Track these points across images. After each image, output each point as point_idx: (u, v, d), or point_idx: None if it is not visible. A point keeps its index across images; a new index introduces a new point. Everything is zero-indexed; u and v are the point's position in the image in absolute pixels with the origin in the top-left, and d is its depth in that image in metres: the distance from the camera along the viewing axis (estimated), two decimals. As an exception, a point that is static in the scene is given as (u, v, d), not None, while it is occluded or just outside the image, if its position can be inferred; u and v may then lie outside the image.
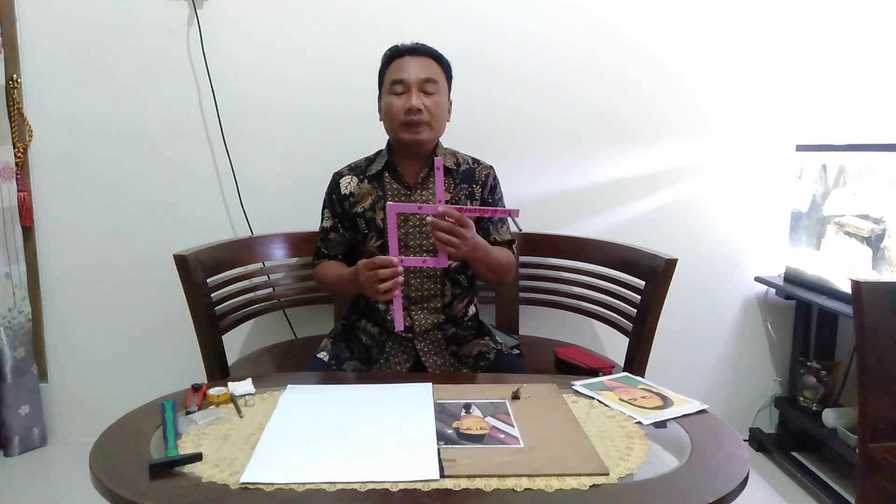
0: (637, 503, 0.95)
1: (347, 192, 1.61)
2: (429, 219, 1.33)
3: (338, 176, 1.65)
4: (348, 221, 1.62)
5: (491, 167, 1.68)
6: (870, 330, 1.32)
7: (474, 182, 1.64)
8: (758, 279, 2.27)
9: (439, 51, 1.60)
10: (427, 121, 1.52)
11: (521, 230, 2.08)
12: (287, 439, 1.08)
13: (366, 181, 1.61)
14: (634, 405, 1.25)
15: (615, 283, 1.93)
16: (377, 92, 1.63)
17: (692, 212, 2.26)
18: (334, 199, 1.63)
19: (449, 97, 1.61)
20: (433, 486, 0.94)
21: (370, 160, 1.65)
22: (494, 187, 1.67)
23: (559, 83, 2.16)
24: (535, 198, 2.20)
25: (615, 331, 1.90)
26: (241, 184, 2.16)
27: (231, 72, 2.11)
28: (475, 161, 1.67)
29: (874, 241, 1.86)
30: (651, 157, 2.22)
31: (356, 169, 1.65)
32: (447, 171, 1.61)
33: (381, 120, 1.61)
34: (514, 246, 1.71)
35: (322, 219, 1.66)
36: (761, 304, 2.33)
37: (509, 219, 1.77)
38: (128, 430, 1.13)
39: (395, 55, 1.57)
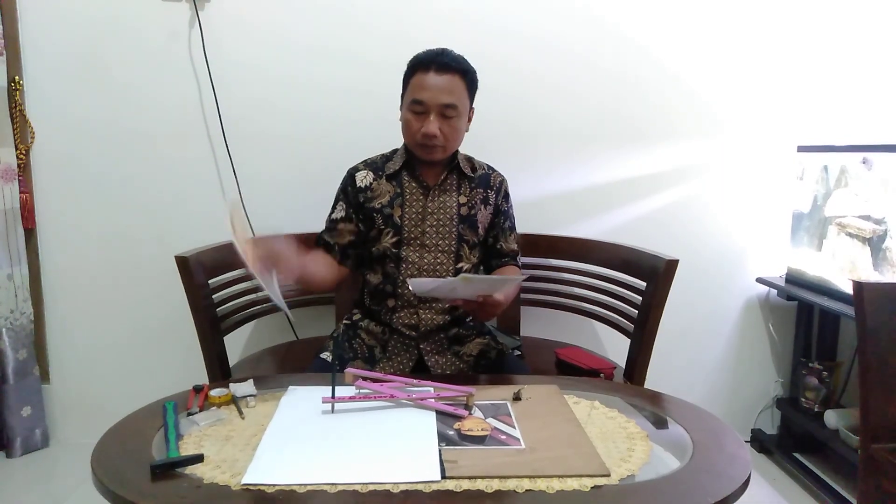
0: (638, 504, 0.94)
1: (363, 186, 1.60)
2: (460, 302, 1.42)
3: (353, 171, 1.64)
4: (363, 214, 1.61)
5: (504, 177, 1.71)
6: (871, 331, 1.32)
7: (489, 187, 1.66)
8: (759, 280, 2.26)
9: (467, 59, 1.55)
10: (442, 145, 1.53)
11: None
12: (288, 440, 1.09)
13: (384, 178, 1.61)
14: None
15: (616, 284, 1.94)
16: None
17: (693, 213, 2.26)
18: (349, 192, 1.62)
19: (471, 105, 1.59)
20: (434, 487, 0.94)
21: (386, 157, 1.65)
22: (507, 196, 1.71)
23: (562, 83, 2.16)
24: (537, 198, 2.20)
25: (616, 332, 1.91)
26: (242, 184, 2.16)
27: (233, 73, 2.11)
28: (489, 167, 1.70)
29: (875, 242, 1.86)
30: (652, 157, 2.22)
31: (372, 165, 1.64)
32: (464, 176, 1.63)
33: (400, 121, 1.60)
34: (518, 258, 1.72)
35: (332, 211, 1.65)
36: (763, 305, 2.33)
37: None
38: (129, 432, 1.13)
39: (420, 66, 1.51)
